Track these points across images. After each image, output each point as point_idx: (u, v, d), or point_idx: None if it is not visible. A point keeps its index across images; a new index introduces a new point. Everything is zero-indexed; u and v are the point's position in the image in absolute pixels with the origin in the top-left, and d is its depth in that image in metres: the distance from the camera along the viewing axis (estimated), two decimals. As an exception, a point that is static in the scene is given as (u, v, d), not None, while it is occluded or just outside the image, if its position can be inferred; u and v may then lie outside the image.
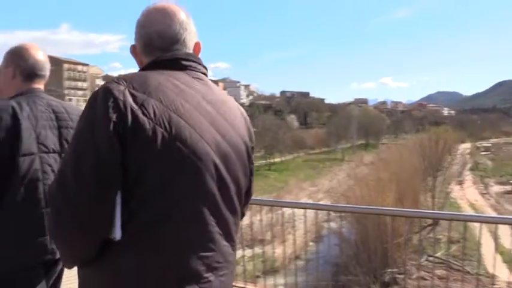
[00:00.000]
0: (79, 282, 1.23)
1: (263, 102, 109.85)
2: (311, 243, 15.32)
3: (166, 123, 1.11)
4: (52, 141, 1.87)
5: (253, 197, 1.47)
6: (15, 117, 1.76)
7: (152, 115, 1.10)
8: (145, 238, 1.11)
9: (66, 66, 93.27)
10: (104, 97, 1.11)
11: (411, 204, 19.50)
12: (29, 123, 1.80)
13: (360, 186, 22.63)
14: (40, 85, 1.96)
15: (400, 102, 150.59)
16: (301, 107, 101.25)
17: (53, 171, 1.84)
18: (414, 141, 44.33)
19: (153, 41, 1.28)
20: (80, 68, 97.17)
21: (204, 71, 1.31)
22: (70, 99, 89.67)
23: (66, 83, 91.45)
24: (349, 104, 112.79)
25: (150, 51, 1.30)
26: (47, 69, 1.98)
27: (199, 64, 1.30)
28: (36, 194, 1.80)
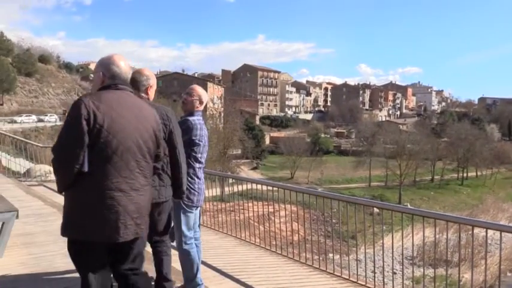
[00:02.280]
0: (66, 200, 2.41)
1: (457, 109, 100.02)
2: (509, 274, 13.30)
3: (109, 115, 2.34)
4: None
5: (438, 212, 1.36)
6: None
7: (102, 111, 2.32)
8: (97, 171, 2.33)
9: (260, 73, 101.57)
10: (80, 102, 2.33)
11: None
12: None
13: None
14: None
15: None
16: (504, 115, 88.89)
17: None
18: None
19: (111, 75, 2.53)
20: (271, 75, 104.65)
21: (131, 90, 2.60)
22: (262, 104, 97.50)
23: (259, 89, 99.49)
24: None
25: (108, 80, 2.53)
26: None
27: (128, 86, 2.59)
28: None
